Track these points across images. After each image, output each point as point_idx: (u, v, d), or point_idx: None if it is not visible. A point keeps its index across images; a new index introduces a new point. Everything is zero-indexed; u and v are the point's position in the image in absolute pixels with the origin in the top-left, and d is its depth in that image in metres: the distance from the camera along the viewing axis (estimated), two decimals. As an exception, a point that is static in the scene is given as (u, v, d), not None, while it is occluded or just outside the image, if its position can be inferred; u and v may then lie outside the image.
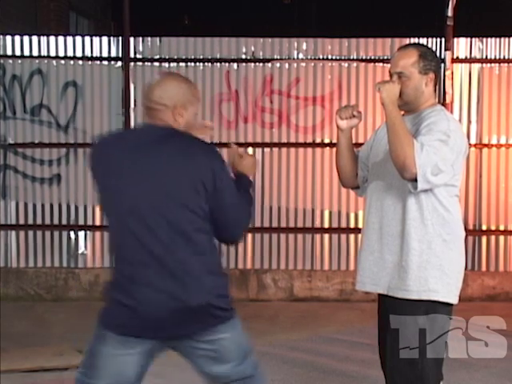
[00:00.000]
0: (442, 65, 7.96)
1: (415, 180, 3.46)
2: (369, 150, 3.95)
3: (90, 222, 8.49)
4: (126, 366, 3.33)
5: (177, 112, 3.32)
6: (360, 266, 3.86)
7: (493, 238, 8.46)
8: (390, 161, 3.60)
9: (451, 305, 3.68)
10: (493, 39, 8.36)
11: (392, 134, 3.52)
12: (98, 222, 8.49)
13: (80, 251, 8.54)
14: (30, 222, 8.51)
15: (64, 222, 8.50)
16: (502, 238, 8.46)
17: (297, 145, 8.42)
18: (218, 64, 8.39)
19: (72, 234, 8.52)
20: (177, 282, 3.21)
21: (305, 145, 8.42)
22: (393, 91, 3.60)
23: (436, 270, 3.61)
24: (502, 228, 8.45)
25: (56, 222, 8.50)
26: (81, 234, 8.52)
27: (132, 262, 3.25)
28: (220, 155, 3.33)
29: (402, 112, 3.75)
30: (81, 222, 8.49)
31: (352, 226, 8.45)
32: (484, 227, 8.45)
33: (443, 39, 8.14)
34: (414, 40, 8.02)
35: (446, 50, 8.06)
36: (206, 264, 3.28)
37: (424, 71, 3.68)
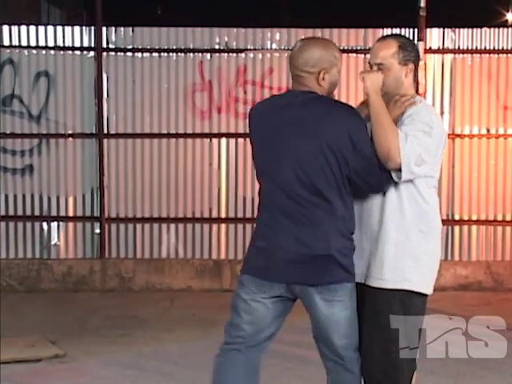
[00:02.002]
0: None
1: (399, 170, 3.47)
2: None
3: (62, 213, 8.45)
4: (262, 311, 3.67)
5: (320, 77, 3.54)
6: None
7: (465, 227, 8.52)
8: None
9: (426, 295, 3.70)
10: (465, 30, 8.40)
11: (376, 124, 3.52)
12: (70, 213, 8.45)
13: (53, 242, 8.49)
14: (2, 212, 8.44)
15: (37, 212, 8.45)
16: (474, 227, 8.51)
17: (270, 135, 8.39)
18: (192, 54, 8.36)
19: (45, 224, 8.47)
20: (307, 232, 3.51)
21: (278, 135, 8.40)
22: (376, 81, 3.61)
23: (412, 261, 3.63)
24: (474, 218, 8.51)
25: (28, 212, 8.45)
26: (53, 224, 8.47)
27: (271, 209, 3.59)
28: (359, 117, 3.54)
29: None
30: (53, 212, 8.44)
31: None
32: (457, 217, 8.50)
33: (416, 30, 8.17)
34: (387, 30, 8.05)
35: (418, 40, 8.08)
36: (336, 224, 3.52)
37: (404, 62, 3.69)
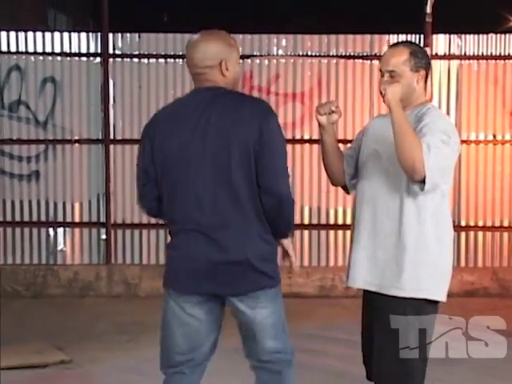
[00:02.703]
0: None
1: (422, 181, 3.47)
2: (356, 150, 3.94)
3: (68, 219, 8.46)
4: (195, 324, 3.54)
5: (223, 68, 3.43)
6: (351, 262, 3.84)
7: (472, 233, 8.50)
8: (383, 159, 3.64)
9: (438, 302, 3.71)
10: (471, 36, 8.39)
11: (399, 136, 3.50)
12: (76, 219, 8.46)
13: (59, 248, 8.50)
14: (9, 218, 8.46)
15: (43, 218, 8.46)
16: (480, 233, 8.50)
17: (276, 141, 8.39)
18: (198, 60, 8.35)
19: (51, 230, 8.48)
20: (220, 238, 3.35)
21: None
22: (397, 93, 3.59)
23: (429, 269, 3.62)
24: (480, 224, 8.49)
25: (35, 218, 8.46)
26: (60, 230, 8.48)
27: (181, 217, 3.41)
28: (271, 112, 3.42)
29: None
30: (59, 218, 8.45)
31: (332, 222, 8.47)
32: (463, 223, 8.49)
33: (422, 36, 8.16)
34: (394, 36, 8.06)
35: (425, 46, 8.05)
36: (252, 227, 3.37)
37: (415, 69, 3.69)
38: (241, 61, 8.49)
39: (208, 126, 3.33)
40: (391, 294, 3.64)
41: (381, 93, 3.64)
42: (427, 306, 3.66)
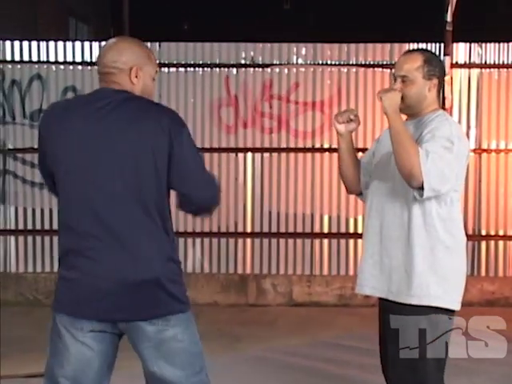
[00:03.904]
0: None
1: (421, 187, 3.46)
2: (371, 156, 3.94)
3: (89, 227, 8.47)
4: (83, 351, 3.19)
5: (133, 74, 3.20)
6: (360, 268, 3.86)
7: (492, 243, 8.46)
8: (391, 165, 3.62)
9: (453, 311, 3.68)
10: (492, 44, 8.37)
11: (397, 143, 3.51)
12: (97, 227, 8.48)
13: (79, 256, 8.51)
14: (30, 226, 8.50)
15: (63, 227, 8.48)
16: (501, 242, 8.46)
17: (296, 150, 8.42)
18: (218, 69, 8.40)
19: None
20: (125, 257, 3.06)
21: (304, 150, 8.42)
22: (394, 99, 3.60)
23: (438, 276, 3.60)
24: (501, 233, 8.45)
25: (55, 226, 8.47)
26: (80, 239, 8.50)
27: (79, 232, 3.10)
28: (180, 119, 3.18)
29: (405, 117, 3.76)
30: (80, 227, 8.47)
31: (351, 231, 8.45)
32: (483, 232, 8.45)
33: (442, 44, 8.14)
34: (414, 45, 8.04)
35: (445, 55, 8.06)
36: (159, 245, 3.13)
37: (428, 76, 3.68)
38: (260, 69, 8.56)
39: (112, 131, 3.08)
40: (401, 301, 3.63)
41: (381, 99, 3.63)
42: (441, 314, 3.63)
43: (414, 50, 3.89)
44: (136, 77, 3.21)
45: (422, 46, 8.08)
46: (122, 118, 3.10)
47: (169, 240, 3.18)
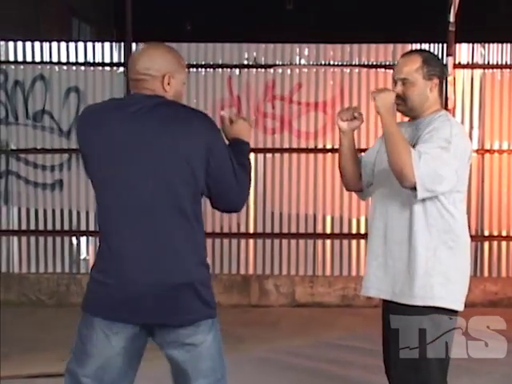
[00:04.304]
0: (444, 70, 7.97)
1: (415, 188, 3.46)
2: (375, 155, 3.93)
3: (91, 228, 8.48)
4: (111, 353, 3.21)
5: (165, 81, 3.22)
6: (365, 271, 3.86)
7: (495, 243, 8.45)
8: None
9: (456, 311, 3.68)
10: (495, 45, 8.36)
11: (389, 143, 3.52)
12: (99, 228, 8.48)
13: (82, 257, 8.53)
14: (32, 227, 8.51)
15: (66, 227, 8.50)
16: (504, 243, 8.45)
17: (299, 150, 8.42)
18: (220, 70, 8.40)
19: (74, 239, 8.52)
20: (161, 261, 3.10)
21: (307, 150, 8.42)
22: (387, 99, 3.60)
23: (441, 277, 3.60)
24: (504, 233, 8.45)
25: (58, 227, 8.50)
26: (83, 239, 8.52)
27: (117, 235, 3.13)
28: (215, 124, 3.20)
29: (407, 118, 3.76)
30: (83, 227, 8.49)
31: (354, 231, 8.45)
32: (486, 233, 8.45)
33: (445, 45, 8.15)
34: (416, 46, 8.03)
35: (447, 55, 8.07)
36: (193, 248, 3.18)
37: (428, 77, 3.68)
38: (263, 70, 8.56)
39: (147, 134, 3.09)
40: (405, 302, 3.63)
41: (374, 99, 3.63)
42: (444, 314, 3.63)
43: (411, 51, 3.89)
44: (168, 84, 3.23)
45: (425, 46, 8.10)
46: (156, 122, 3.11)
47: (202, 244, 3.25)
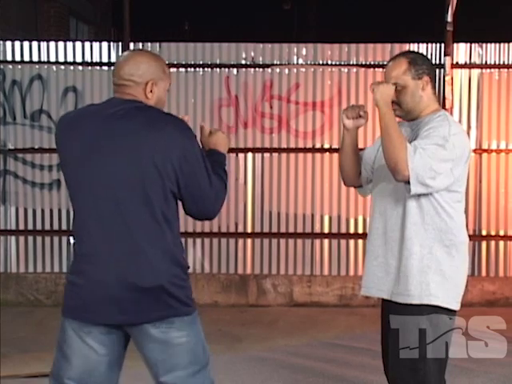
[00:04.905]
0: (442, 70, 7.99)
1: (409, 183, 3.47)
2: (375, 153, 3.93)
3: (89, 228, 8.47)
4: (90, 354, 3.25)
5: (148, 88, 3.25)
6: (365, 271, 3.86)
7: (493, 243, 8.46)
8: None
9: (454, 311, 3.68)
10: (492, 45, 8.37)
11: (385, 136, 3.53)
12: (97, 228, 8.48)
13: (80, 256, 8.51)
14: (30, 227, 8.50)
15: (64, 227, 8.50)
16: (501, 243, 8.46)
17: (296, 150, 8.42)
18: (218, 69, 8.40)
19: (71, 239, 8.49)
20: (131, 263, 3.13)
21: (304, 150, 8.42)
22: (386, 92, 3.61)
23: (437, 276, 3.61)
24: (501, 233, 8.45)
25: (56, 227, 8.50)
26: (80, 239, 8.50)
27: (89, 237, 3.21)
28: (190, 131, 3.22)
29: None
30: (80, 227, 8.47)
31: (352, 231, 8.45)
32: (484, 232, 8.45)
33: (443, 44, 8.15)
34: (414, 45, 8.06)
35: (445, 55, 8.07)
36: (164, 250, 3.18)
37: (417, 76, 3.68)
38: (261, 70, 8.56)
39: (120, 136, 3.13)
40: (401, 301, 3.64)
41: (373, 91, 3.64)
42: (441, 314, 3.63)
43: (397, 55, 3.89)
44: (151, 91, 3.26)
45: (423, 46, 8.12)
46: (130, 124, 3.15)
47: (175, 244, 3.25)
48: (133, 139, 3.12)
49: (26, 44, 8.42)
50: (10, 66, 8.42)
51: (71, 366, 3.26)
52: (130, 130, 3.14)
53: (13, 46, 8.42)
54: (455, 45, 8.26)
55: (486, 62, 8.37)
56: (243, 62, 8.42)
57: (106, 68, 8.41)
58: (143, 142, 3.11)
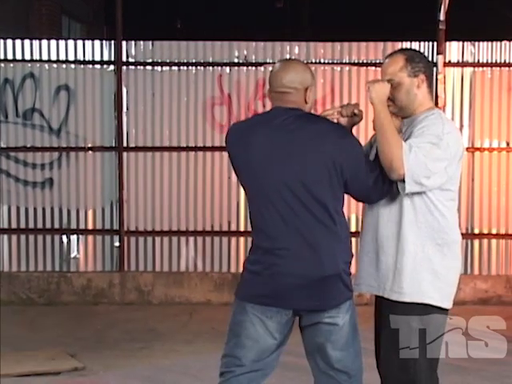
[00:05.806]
0: (435, 69, 7.98)
1: (404, 181, 3.47)
2: (369, 151, 3.94)
3: (82, 226, 8.48)
4: (266, 337, 3.62)
5: (307, 94, 3.59)
6: (357, 267, 3.86)
7: (485, 241, 8.47)
8: None
9: (446, 309, 3.68)
10: (485, 43, 8.37)
11: (380, 135, 3.54)
12: (90, 226, 8.48)
13: (72, 255, 8.52)
14: (23, 225, 8.49)
15: (56, 225, 8.48)
16: (494, 241, 8.47)
17: (289, 148, 8.39)
18: (211, 68, 8.39)
19: (64, 237, 8.50)
20: (311, 256, 3.48)
21: (297, 148, 8.40)
22: (382, 90, 3.62)
23: (429, 274, 3.61)
24: (494, 231, 8.46)
25: (48, 225, 8.48)
26: (73, 237, 8.50)
27: (271, 235, 3.54)
28: (351, 134, 3.63)
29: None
30: (73, 225, 8.47)
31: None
32: (476, 231, 8.46)
33: (435, 43, 8.16)
34: (406, 44, 8.06)
35: (438, 53, 8.08)
36: (338, 241, 3.55)
37: (413, 74, 3.68)
38: (253, 68, 8.55)
39: (294, 143, 3.49)
40: (393, 298, 3.64)
41: (368, 89, 3.65)
42: (432, 312, 3.63)
43: (394, 51, 3.88)
44: (309, 96, 3.62)
45: (415, 44, 8.12)
46: (300, 131, 3.50)
47: (345, 234, 3.62)
48: (303, 145, 3.47)
49: (18, 42, 8.40)
50: (2, 65, 8.39)
51: (246, 347, 3.64)
52: (299, 136, 3.49)
53: (5, 45, 8.39)
54: (448, 43, 8.27)
55: (478, 60, 8.38)
56: (236, 60, 8.41)
57: (98, 66, 8.40)
58: (313, 147, 3.46)
